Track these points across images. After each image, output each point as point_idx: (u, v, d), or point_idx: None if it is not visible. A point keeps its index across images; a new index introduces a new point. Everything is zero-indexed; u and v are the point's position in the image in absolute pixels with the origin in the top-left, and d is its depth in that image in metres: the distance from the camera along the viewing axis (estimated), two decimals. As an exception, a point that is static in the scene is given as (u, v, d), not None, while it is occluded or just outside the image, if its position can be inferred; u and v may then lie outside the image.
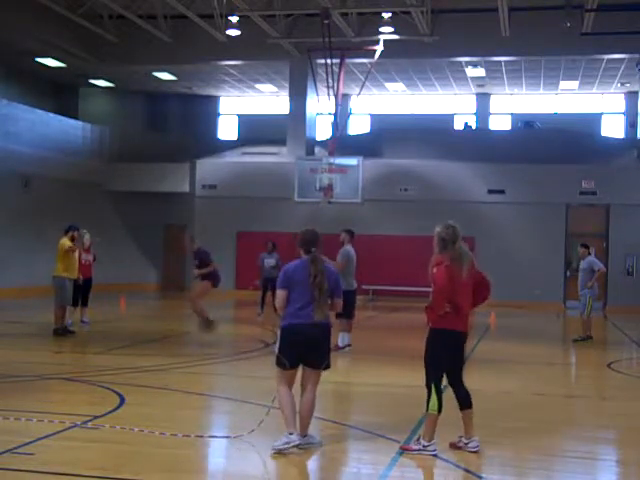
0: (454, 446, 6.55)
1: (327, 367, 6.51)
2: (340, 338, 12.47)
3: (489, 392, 9.20)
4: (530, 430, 7.48)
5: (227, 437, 6.90)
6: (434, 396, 6.37)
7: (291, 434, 6.23)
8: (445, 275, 6.33)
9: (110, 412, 7.59)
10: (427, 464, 6.21)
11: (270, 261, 17.91)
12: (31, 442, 6.34)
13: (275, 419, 6.87)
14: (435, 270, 6.39)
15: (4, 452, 6.05)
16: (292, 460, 6.11)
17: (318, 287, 6.32)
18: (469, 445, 6.47)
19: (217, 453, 6.61)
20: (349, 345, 12.52)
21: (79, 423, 7.06)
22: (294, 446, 6.19)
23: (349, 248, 12.67)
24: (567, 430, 7.77)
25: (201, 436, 6.82)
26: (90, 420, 7.18)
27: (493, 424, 7.36)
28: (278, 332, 6.46)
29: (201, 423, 7.75)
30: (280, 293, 6.44)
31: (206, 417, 8.24)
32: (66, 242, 13.94)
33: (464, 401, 6.55)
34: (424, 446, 6.36)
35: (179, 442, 6.55)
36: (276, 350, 6.43)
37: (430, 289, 6.44)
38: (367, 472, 6.07)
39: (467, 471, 6.05)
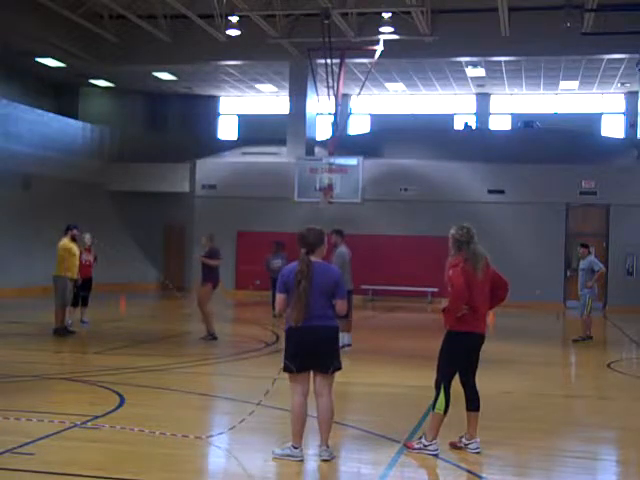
0: (454, 446, 6.55)
1: (336, 369, 6.26)
2: (340, 338, 12.44)
3: (489, 392, 9.17)
4: (530, 430, 7.49)
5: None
6: (442, 396, 6.36)
7: (296, 448, 6.09)
8: (461, 277, 6.30)
9: (110, 412, 7.59)
10: (427, 464, 6.21)
11: (276, 262, 17.97)
12: (31, 442, 6.34)
13: (275, 419, 6.87)
14: (451, 272, 6.36)
15: (4, 452, 6.05)
16: (292, 460, 6.09)
17: (297, 288, 6.07)
18: (469, 446, 6.47)
19: (217, 453, 6.59)
20: (349, 345, 12.50)
21: (79, 423, 7.06)
22: (297, 461, 6.05)
23: (343, 249, 12.57)
24: (567, 430, 7.78)
25: (200, 437, 6.81)
26: (90, 420, 7.19)
27: (493, 424, 7.36)
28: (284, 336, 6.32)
29: (201, 423, 7.74)
30: (279, 297, 6.28)
31: (206, 417, 8.24)
32: (67, 242, 13.90)
33: (472, 403, 6.54)
34: (424, 445, 6.37)
35: (179, 442, 6.55)
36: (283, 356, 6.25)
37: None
38: (367, 472, 6.06)
39: (467, 471, 6.05)
